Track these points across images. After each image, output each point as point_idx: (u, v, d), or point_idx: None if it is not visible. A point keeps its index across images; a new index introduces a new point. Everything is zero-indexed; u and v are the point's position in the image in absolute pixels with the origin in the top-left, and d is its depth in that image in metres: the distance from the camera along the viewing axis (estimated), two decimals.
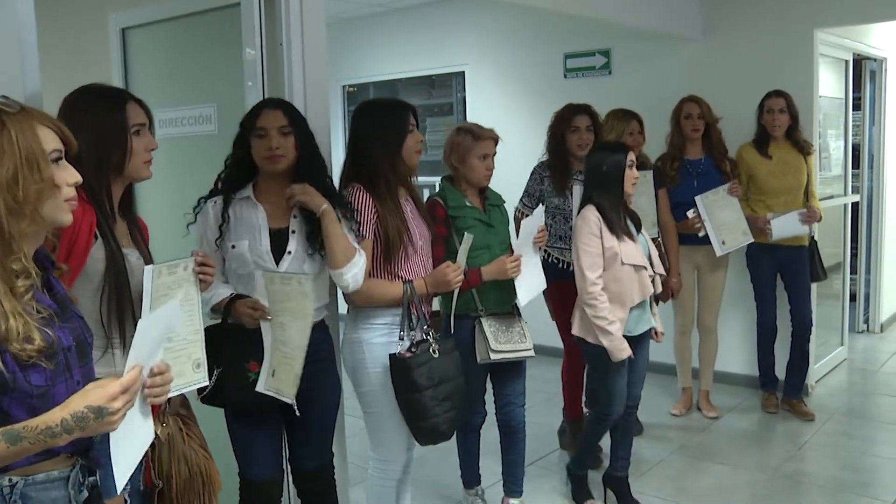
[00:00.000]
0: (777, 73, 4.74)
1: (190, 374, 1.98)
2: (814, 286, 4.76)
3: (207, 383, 2.09)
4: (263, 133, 2.45)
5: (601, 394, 3.37)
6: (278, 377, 2.38)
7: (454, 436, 3.41)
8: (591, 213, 3.24)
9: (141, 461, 1.65)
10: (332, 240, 2.48)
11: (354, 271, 2.53)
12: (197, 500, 2.18)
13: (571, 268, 3.83)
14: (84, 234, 1.86)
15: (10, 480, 1.41)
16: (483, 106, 6.09)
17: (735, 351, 5.10)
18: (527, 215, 3.72)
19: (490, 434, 3.49)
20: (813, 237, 4.62)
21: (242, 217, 2.48)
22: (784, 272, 4.63)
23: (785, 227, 4.39)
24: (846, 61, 5.57)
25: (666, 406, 4.79)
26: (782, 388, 4.76)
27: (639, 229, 3.39)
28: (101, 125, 1.96)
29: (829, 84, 5.35)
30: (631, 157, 3.30)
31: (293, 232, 2.50)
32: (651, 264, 3.36)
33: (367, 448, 2.91)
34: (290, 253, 2.48)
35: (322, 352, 2.60)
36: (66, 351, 1.47)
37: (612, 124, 4.23)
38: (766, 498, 3.67)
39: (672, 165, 4.45)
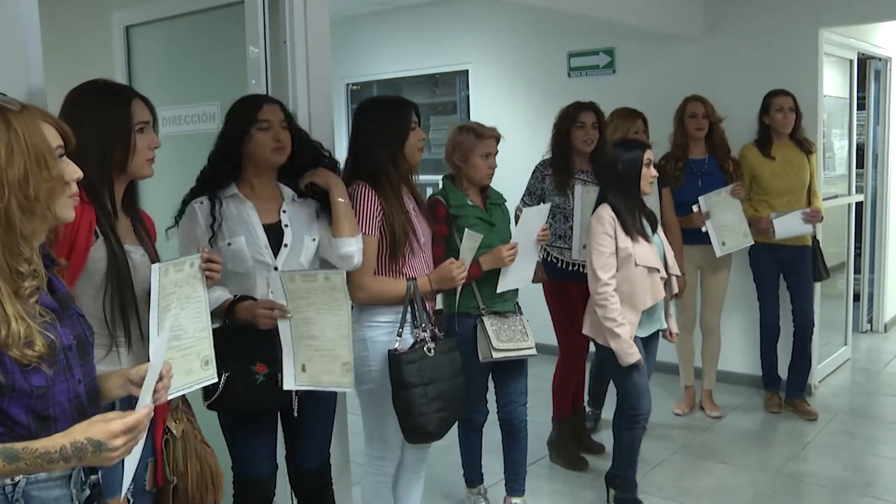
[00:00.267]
0: (781, 73, 4.73)
1: (199, 371, 1.97)
2: (817, 286, 4.76)
3: (217, 380, 2.08)
4: (267, 125, 2.44)
5: (629, 393, 3.26)
6: (311, 371, 2.36)
7: (457, 435, 3.43)
8: (606, 212, 3.20)
9: (146, 461, 1.65)
10: (341, 209, 2.53)
11: (360, 245, 2.58)
12: (210, 495, 2.19)
13: (570, 267, 3.85)
14: (84, 232, 1.85)
15: (12, 479, 1.40)
16: (486, 104, 6.08)
17: (738, 350, 5.10)
18: None
19: (492, 433, 3.49)
20: (815, 237, 4.61)
21: (233, 214, 2.46)
22: (786, 272, 4.63)
23: (788, 226, 4.38)
24: (850, 61, 5.55)
25: (669, 405, 4.78)
26: (785, 387, 4.76)
27: (654, 229, 3.34)
28: (105, 122, 1.94)
29: (833, 83, 5.34)
30: (649, 154, 3.23)
31: (287, 225, 2.50)
32: (666, 265, 3.32)
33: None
34: (286, 246, 2.48)
35: None
36: (67, 350, 1.47)
37: (616, 123, 4.23)
38: (768, 498, 3.66)
39: (676, 165, 4.44)
